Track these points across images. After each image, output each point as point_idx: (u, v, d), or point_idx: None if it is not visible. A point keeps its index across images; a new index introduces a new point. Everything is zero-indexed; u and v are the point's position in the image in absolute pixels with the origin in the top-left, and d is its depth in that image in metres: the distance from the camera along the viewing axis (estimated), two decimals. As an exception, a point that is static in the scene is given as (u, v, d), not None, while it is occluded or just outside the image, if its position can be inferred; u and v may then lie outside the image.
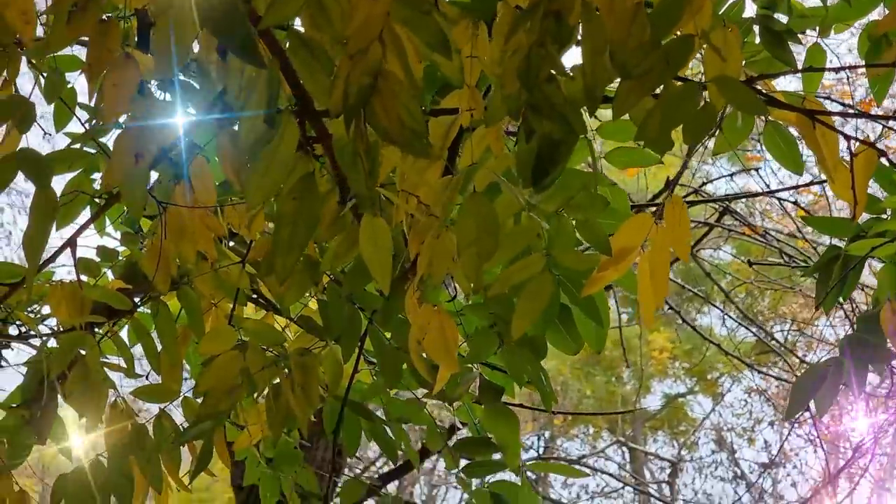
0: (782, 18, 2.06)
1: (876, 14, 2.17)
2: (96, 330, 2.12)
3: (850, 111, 3.82)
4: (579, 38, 1.31)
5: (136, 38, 1.89)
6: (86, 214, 2.13)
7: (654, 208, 4.50)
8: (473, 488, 2.41)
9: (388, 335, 2.14)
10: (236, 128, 1.54)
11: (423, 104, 1.48)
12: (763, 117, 1.86)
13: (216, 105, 1.60)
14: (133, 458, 2.07)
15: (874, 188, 2.08)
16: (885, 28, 2.00)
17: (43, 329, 2.15)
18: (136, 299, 2.15)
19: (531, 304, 1.67)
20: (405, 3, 1.17)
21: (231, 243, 2.21)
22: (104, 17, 1.42)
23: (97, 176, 2.15)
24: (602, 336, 2.04)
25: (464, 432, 2.81)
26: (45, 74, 1.71)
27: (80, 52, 2.15)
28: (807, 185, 4.76)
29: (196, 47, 1.44)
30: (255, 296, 2.38)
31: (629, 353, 6.12)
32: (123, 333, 2.21)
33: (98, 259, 2.16)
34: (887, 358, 1.90)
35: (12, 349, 2.22)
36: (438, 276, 1.51)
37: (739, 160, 5.36)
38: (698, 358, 9.75)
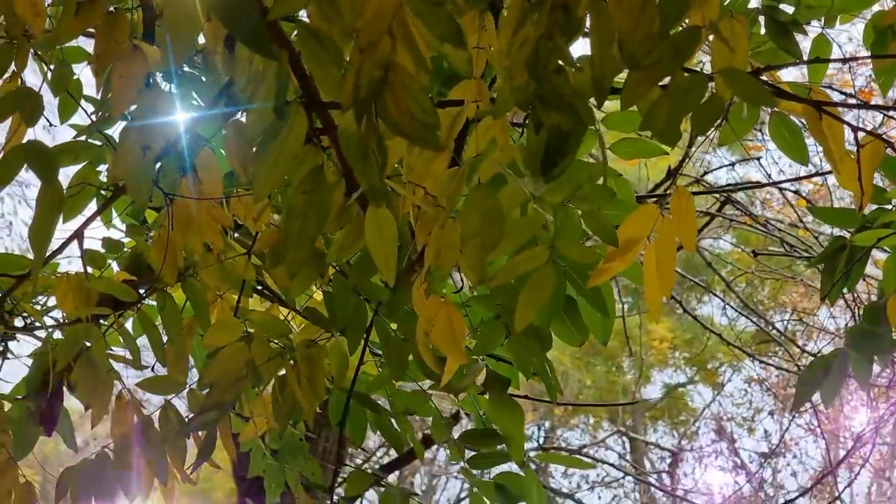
0: (787, 9, 2.05)
1: (877, 6, 2.17)
2: (101, 322, 2.13)
3: (853, 101, 3.82)
4: (587, 29, 1.31)
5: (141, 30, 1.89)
6: (92, 206, 2.13)
7: (662, 198, 4.50)
8: (478, 479, 2.41)
9: (394, 327, 2.14)
10: (243, 120, 1.54)
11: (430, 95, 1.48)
12: (768, 108, 1.86)
13: (222, 97, 1.60)
14: (139, 450, 2.07)
15: (876, 178, 2.08)
16: (891, 19, 2.00)
17: (48, 321, 2.15)
18: (141, 291, 2.15)
19: (535, 295, 1.67)
20: (417, -5, 1.17)
21: (236, 234, 2.21)
22: (111, 8, 1.42)
23: (103, 167, 2.14)
24: (608, 327, 2.04)
25: (465, 420, 2.81)
26: (51, 67, 1.70)
27: (85, 43, 2.14)
28: (811, 175, 4.75)
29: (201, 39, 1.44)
30: (260, 287, 2.38)
31: (629, 343, 6.12)
32: (128, 325, 2.21)
33: (103, 251, 2.16)
34: (893, 349, 1.90)
35: (18, 341, 2.22)
36: (446, 268, 1.51)
37: (744, 148, 5.35)
38: (698, 348, 9.77)
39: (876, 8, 2.15)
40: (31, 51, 1.56)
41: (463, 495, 12.27)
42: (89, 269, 1.98)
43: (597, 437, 12.58)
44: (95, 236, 2.20)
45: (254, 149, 1.48)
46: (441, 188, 1.50)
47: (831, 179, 5.41)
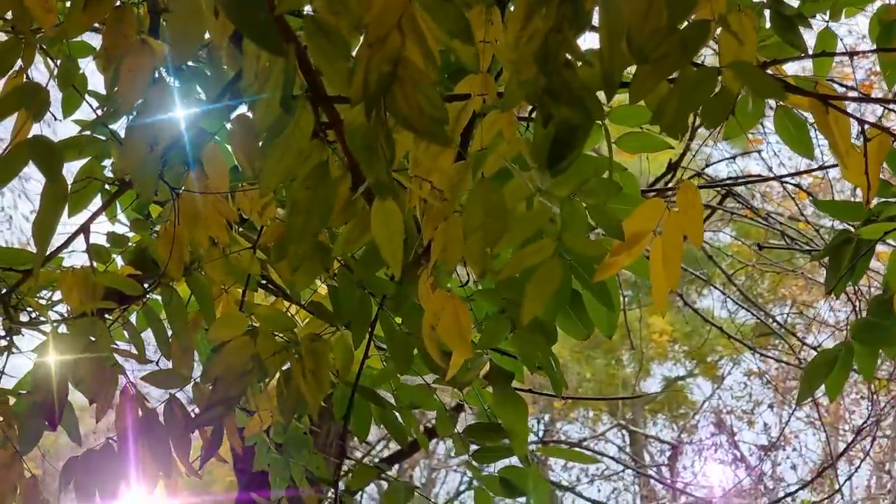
0: (793, 2, 2.05)
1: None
2: (107, 316, 2.12)
3: (856, 94, 3.81)
4: (594, 23, 1.31)
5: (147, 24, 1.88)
6: (97, 201, 2.13)
7: (663, 192, 4.50)
8: (483, 474, 2.42)
9: (399, 321, 2.14)
10: (250, 114, 1.54)
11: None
12: (773, 102, 1.86)
13: (226, 92, 1.60)
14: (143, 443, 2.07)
15: (882, 171, 2.07)
16: (897, 13, 1.99)
17: (53, 315, 2.15)
18: (146, 285, 2.15)
19: (541, 288, 1.67)
20: (427, -11, 1.17)
21: (241, 229, 2.21)
22: (119, 2, 1.41)
23: (108, 162, 2.14)
24: (613, 321, 2.04)
25: (467, 413, 2.81)
26: (58, 61, 1.70)
27: (90, 38, 2.14)
28: (814, 169, 4.74)
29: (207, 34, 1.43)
30: (265, 282, 2.38)
31: (630, 337, 6.12)
32: (133, 319, 2.21)
33: (108, 245, 2.16)
34: (897, 342, 1.90)
35: (23, 335, 2.22)
36: (452, 262, 1.51)
37: (747, 139, 5.34)
38: (698, 341, 9.78)
39: (880, 2, 2.15)
40: (38, 46, 1.56)
41: (462, 488, 12.29)
42: (94, 264, 1.98)
43: (596, 430, 12.58)
44: (100, 231, 2.20)
45: (260, 143, 1.48)
46: (448, 182, 1.50)
47: (832, 172, 5.41)
